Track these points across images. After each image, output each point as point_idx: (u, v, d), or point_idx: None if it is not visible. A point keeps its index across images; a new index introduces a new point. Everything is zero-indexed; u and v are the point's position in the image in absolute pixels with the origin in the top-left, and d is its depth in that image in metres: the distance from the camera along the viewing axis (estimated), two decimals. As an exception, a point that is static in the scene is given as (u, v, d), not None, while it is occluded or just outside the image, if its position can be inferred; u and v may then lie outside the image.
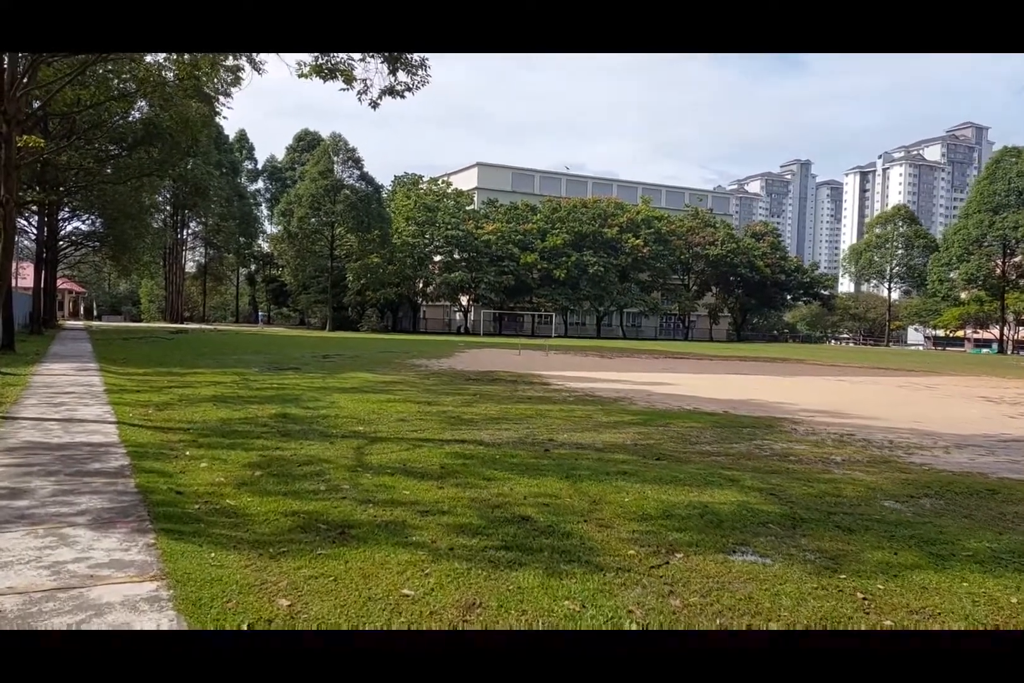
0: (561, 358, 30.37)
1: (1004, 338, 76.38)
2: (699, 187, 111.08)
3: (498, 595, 3.79)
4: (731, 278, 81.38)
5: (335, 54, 11.83)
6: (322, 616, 3.48)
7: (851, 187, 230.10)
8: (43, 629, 3.22)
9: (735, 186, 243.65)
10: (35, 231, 38.54)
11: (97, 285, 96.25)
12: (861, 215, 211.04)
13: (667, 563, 4.39)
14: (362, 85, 12.17)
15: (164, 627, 3.30)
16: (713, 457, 8.10)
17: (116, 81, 23.57)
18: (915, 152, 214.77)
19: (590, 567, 4.27)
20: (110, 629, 3.25)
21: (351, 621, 3.44)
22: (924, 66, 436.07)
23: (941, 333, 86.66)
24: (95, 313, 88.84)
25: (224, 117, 31.00)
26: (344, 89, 12.03)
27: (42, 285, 37.80)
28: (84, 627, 3.27)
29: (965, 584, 4.19)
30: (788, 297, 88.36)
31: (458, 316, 76.15)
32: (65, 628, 3.25)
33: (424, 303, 75.11)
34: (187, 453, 7.24)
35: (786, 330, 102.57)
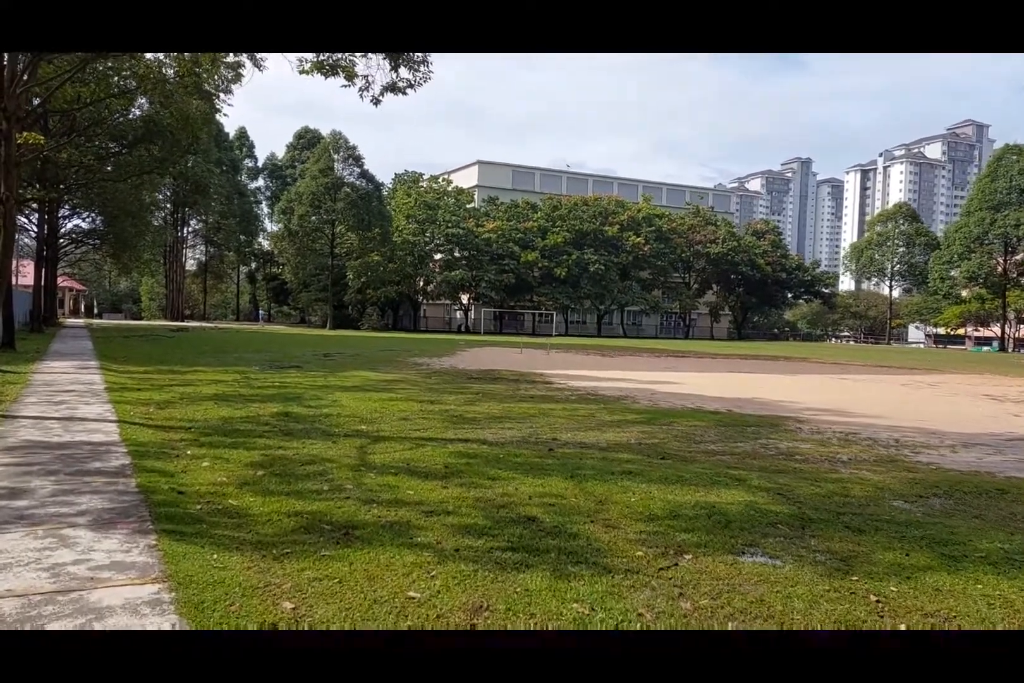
0: (562, 357, 30.30)
1: (1005, 336, 76.29)
2: (700, 185, 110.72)
3: (506, 598, 3.73)
4: (732, 276, 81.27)
5: (336, 51, 11.75)
6: (327, 619, 3.41)
7: (852, 185, 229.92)
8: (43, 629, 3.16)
9: (736, 184, 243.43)
10: (35, 229, 38.47)
11: (98, 283, 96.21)
12: (862, 213, 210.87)
13: (676, 565, 4.33)
14: (364, 82, 12.10)
15: (166, 631, 3.24)
16: (718, 456, 8.04)
17: (116, 78, 23.46)
18: (916, 150, 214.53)
19: (598, 569, 4.21)
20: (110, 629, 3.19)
21: (357, 625, 3.38)
22: (924, 66, 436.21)
23: (942, 331, 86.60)
24: (96, 311, 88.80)
25: (225, 114, 30.79)
26: (346, 85, 11.97)
27: (42, 283, 37.72)
28: (85, 631, 3.21)
29: (979, 586, 4.12)
30: (789, 295, 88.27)
31: (459, 314, 76.09)
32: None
33: (425, 301, 75.02)
34: (188, 452, 7.18)
35: (787, 328, 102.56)
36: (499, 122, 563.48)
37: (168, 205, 67.11)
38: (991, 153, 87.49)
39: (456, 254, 68.34)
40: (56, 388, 12.34)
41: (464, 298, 71.87)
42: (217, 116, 28.87)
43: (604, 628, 3.44)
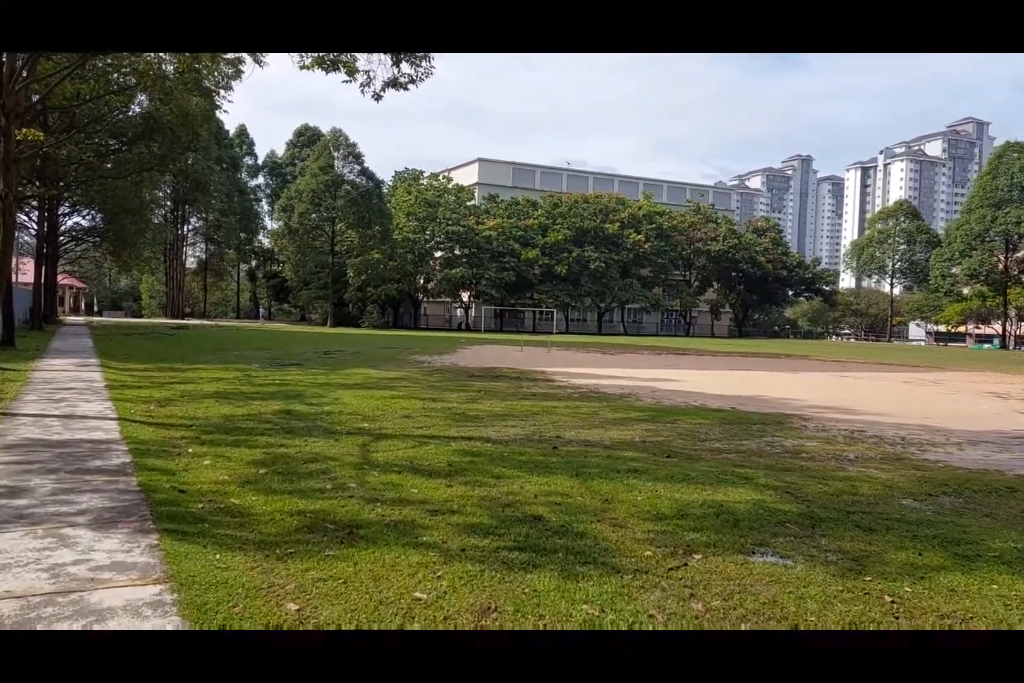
0: (563, 354, 30.24)
1: (1006, 333, 76.21)
2: (700, 183, 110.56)
3: (514, 599, 3.66)
4: (733, 274, 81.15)
5: (338, 46, 11.67)
6: (332, 621, 3.34)
7: (852, 182, 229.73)
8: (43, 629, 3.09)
9: (736, 182, 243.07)
10: (35, 226, 38.38)
11: (98, 281, 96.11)
12: (862, 210, 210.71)
13: (685, 565, 4.26)
14: (365, 77, 12.01)
15: (168, 633, 3.17)
16: (724, 454, 7.97)
17: (116, 75, 23.38)
18: (916, 147, 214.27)
19: (607, 569, 4.14)
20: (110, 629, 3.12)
21: (363, 627, 3.31)
22: (924, 65, 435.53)
23: (943, 328, 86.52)
24: (96, 309, 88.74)
25: (225, 111, 30.82)
26: (347, 81, 11.88)
27: (42, 280, 37.64)
28: (85, 633, 3.14)
29: (995, 586, 4.05)
30: (790, 293, 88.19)
31: (459, 312, 75.98)
32: (65, 634, 3.12)
33: (425, 299, 74.90)
34: (190, 450, 7.11)
35: (787, 326, 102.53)
36: (499, 121, 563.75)
37: (168, 203, 66.96)
38: (992, 150, 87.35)
39: (456, 252, 68.21)
40: (56, 386, 12.27)
41: (464, 296, 71.76)
42: (217, 113, 28.78)
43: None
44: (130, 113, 29.18)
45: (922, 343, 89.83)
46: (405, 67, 11.55)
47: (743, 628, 3.43)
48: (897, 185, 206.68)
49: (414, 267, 67.00)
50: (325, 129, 73.75)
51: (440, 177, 74.23)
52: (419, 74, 11.71)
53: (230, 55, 18.39)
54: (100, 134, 30.49)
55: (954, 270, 76.63)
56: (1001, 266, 73.52)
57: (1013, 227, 70.47)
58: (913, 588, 4.00)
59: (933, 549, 4.71)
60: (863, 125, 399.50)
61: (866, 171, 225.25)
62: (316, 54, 11.91)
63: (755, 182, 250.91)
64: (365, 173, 64.98)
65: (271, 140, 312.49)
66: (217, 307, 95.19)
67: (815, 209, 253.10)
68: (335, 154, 63.82)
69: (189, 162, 50.69)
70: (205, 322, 60.54)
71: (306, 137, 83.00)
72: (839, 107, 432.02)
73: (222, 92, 21.48)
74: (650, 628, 3.40)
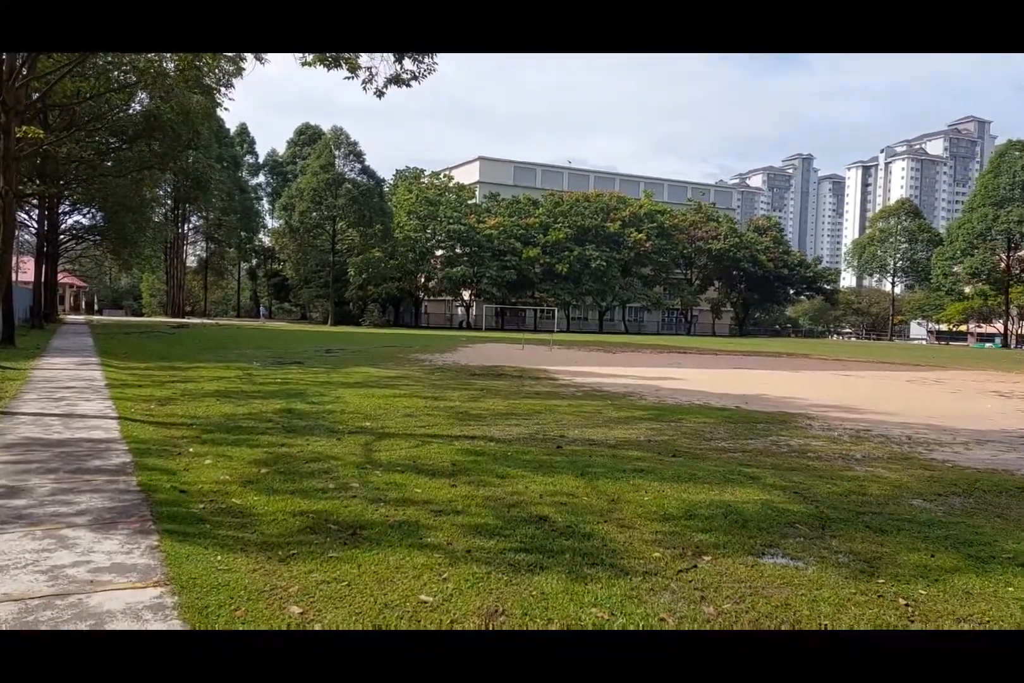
0: (564, 353, 30.16)
1: (1008, 332, 76.09)
2: (701, 181, 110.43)
3: (521, 602, 3.58)
4: (734, 272, 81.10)
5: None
6: (336, 625, 3.27)
7: (853, 181, 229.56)
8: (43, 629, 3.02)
9: (737, 180, 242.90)
10: (35, 225, 38.31)
11: (98, 279, 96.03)
12: (863, 209, 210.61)
13: (695, 566, 4.19)
14: (367, 74, 11.93)
15: (169, 637, 3.09)
16: (730, 454, 7.89)
17: (116, 72, 23.32)
18: (917, 146, 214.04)
19: (615, 571, 4.06)
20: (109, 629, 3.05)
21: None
22: (925, 64, 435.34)
23: (944, 327, 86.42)
24: (96, 307, 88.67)
25: (226, 109, 30.70)
26: (349, 78, 11.80)
27: (43, 279, 37.59)
28: (84, 637, 3.07)
29: (1011, 589, 3.98)
30: (791, 292, 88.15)
31: (460, 311, 75.93)
32: (63, 638, 3.04)
33: (426, 298, 74.85)
34: (191, 450, 7.04)
35: (788, 325, 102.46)
36: (500, 121, 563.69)
37: (169, 201, 66.89)
38: (993, 149, 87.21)
39: (457, 250, 68.17)
40: (56, 384, 12.20)
41: (465, 294, 71.71)
42: (218, 111, 28.66)
43: (625, 634, 3.30)
44: (130, 111, 29.09)
45: (923, 342, 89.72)
46: (408, 63, 11.47)
47: (756, 632, 3.36)
48: (898, 184, 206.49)
49: (415, 266, 66.95)
50: (326, 128, 73.77)
51: (441, 176, 74.18)
52: (422, 70, 11.63)
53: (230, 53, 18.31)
54: (100, 132, 30.41)
55: (956, 269, 76.55)
56: (1003, 265, 73.45)
57: (1015, 226, 70.39)
58: (928, 591, 3.92)
59: (946, 550, 4.63)
60: (864, 125, 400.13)
61: (867, 170, 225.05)
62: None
63: (756, 181, 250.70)
64: (366, 171, 64.94)
65: (272, 139, 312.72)
66: (218, 306, 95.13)
67: (816, 208, 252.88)
68: (336, 152, 63.77)
69: (190, 160, 50.45)
70: (206, 321, 60.48)
71: (307, 136, 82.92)
72: (839, 107, 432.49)
73: (223, 90, 21.38)
74: (661, 632, 3.33)
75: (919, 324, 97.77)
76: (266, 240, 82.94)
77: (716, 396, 14.15)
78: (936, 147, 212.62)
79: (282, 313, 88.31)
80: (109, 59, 22.19)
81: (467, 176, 79.03)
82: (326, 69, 11.88)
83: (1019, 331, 78.19)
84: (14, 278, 28.73)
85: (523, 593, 3.69)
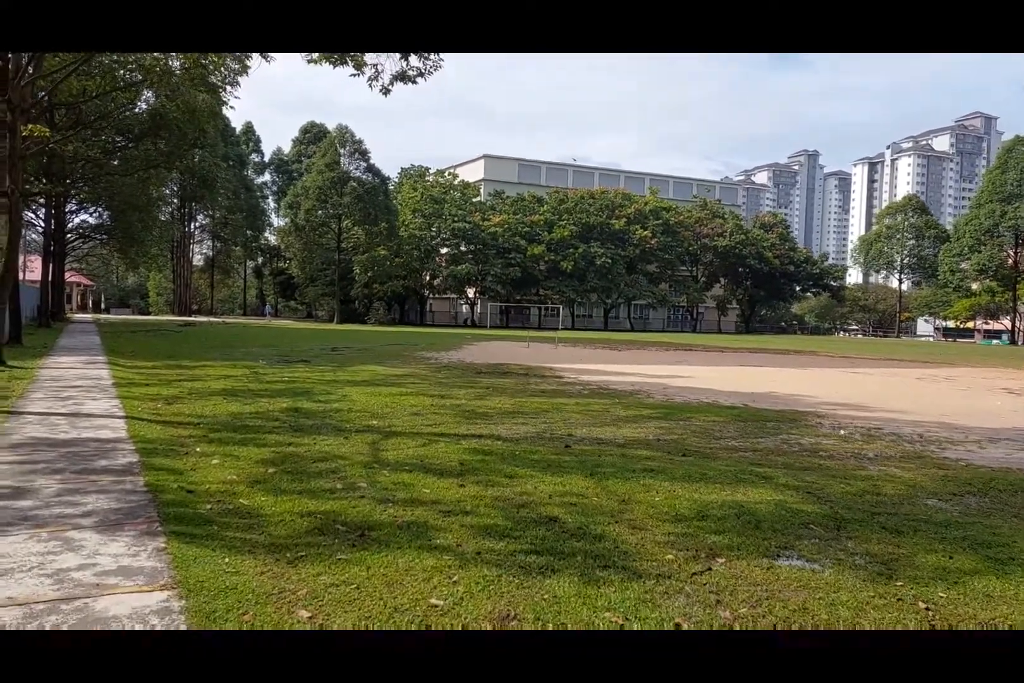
0: (570, 351, 30.08)
1: (1016, 329, 75.69)
2: (706, 178, 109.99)
3: (533, 605, 3.52)
4: (739, 269, 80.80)
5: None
6: (345, 629, 3.21)
7: (859, 178, 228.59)
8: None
9: (742, 177, 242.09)
10: (42, 224, 38.38)
11: (105, 278, 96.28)
12: (869, 206, 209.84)
13: (709, 569, 4.12)
14: (373, 71, 11.86)
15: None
16: (740, 453, 7.81)
17: (122, 71, 23.30)
18: (924, 142, 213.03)
19: (628, 573, 4.00)
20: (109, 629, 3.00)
21: (378, 635, 3.18)
22: (925, 64, 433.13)
23: (951, 324, 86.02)
24: (103, 306, 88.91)
25: (231, 107, 30.64)
26: (354, 75, 11.73)
27: (50, 278, 37.67)
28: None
29: (1032, 592, 3.90)
30: (797, 288, 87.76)
31: (465, 309, 75.85)
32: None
33: (431, 296, 74.81)
34: (198, 449, 6.99)
35: (795, 322, 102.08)
36: (501, 120, 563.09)
37: (175, 200, 67.01)
38: (1000, 145, 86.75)
39: (462, 248, 68.06)
40: (63, 383, 12.18)
41: (470, 292, 71.63)
42: (223, 110, 28.72)
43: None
44: (136, 110, 29.12)
45: (930, 339, 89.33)
46: (414, 60, 11.39)
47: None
48: (904, 180, 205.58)
49: (420, 264, 66.88)
50: (331, 126, 73.71)
51: (446, 174, 74.04)
52: (427, 67, 11.55)
53: (236, 50, 18.26)
54: (107, 130, 30.46)
55: (963, 265, 76.15)
56: (1010, 261, 73.04)
57: (1023, 222, 69.93)
58: (947, 594, 3.85)
59: (964, 552, 4.56)
60: (868, 122, 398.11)
61: (873, 166, 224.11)
62: (323, 47, 11.77)
63: (761, 177, 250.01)
64: (371, 170, 64.87)
65: (277, 138, 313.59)
66: (224, 304, 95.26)
67: (822, 204, 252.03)
68: (341, 151, 63.72)
69: (196, 159, 50.41)
70: (212, 319, 60.55)
71: (312, 134, 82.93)
72: (843, 105, 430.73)
73: (229, 88, 21.37)
74: (677, 637, 3.26)
75: (926, 321, 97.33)
76: (272, 238, 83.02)
77: (724, 394, 14.06)
78: (942, 143, 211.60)
79: (288, 311, 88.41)
80: (115, 58, 22.16)
81: (472, 174, 78.90)
82: (332, 66, 11.82)
83: (1027, 328, 77.75)
84: (21, 277, 28.74)
85: (535, 597, 3.63)
